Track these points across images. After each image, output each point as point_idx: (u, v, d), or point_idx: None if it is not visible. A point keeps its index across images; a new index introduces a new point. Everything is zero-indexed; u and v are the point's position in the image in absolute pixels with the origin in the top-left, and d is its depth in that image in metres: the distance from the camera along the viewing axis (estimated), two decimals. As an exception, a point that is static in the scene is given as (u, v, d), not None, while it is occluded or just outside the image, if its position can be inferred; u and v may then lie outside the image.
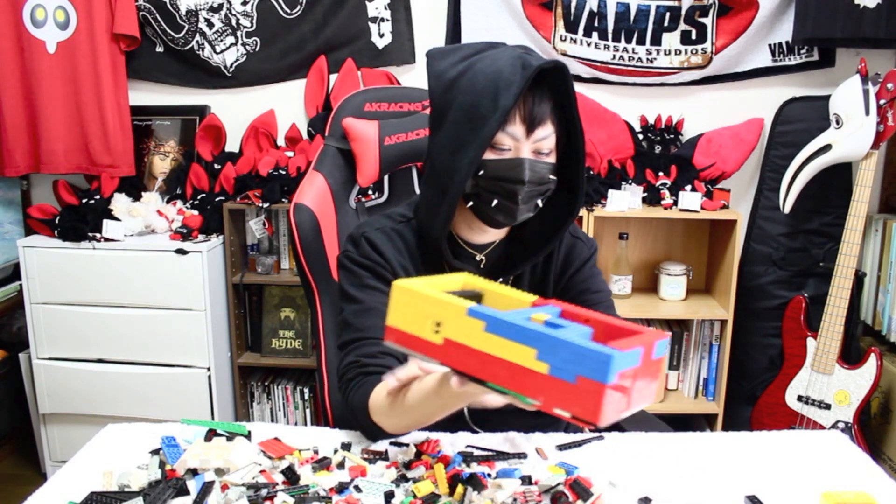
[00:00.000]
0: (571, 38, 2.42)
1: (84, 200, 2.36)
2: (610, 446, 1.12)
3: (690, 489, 0.99)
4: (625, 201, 2.31)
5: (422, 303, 0.78)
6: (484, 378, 0.74)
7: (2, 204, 2.54)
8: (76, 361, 2.36)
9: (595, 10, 2.38)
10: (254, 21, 2.48)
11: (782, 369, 2.35)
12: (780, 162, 2.42)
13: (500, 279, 1.19)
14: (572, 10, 2.39)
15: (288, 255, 2.52)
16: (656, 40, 2.40)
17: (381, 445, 1.08)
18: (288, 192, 2.32)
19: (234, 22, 2.48)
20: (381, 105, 1.55)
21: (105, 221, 2.29)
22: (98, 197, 2.38)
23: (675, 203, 2.34)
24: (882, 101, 2.11)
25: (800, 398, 2.30)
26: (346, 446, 1.08)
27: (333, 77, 2.51)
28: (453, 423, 1.12)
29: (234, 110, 2.56)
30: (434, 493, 0.93)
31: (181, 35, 2.48)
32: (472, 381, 0.76)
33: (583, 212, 2.29)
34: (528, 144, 1.07)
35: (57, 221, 2.30)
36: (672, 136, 2.48)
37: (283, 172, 2.35)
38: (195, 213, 2.38)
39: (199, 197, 2.42)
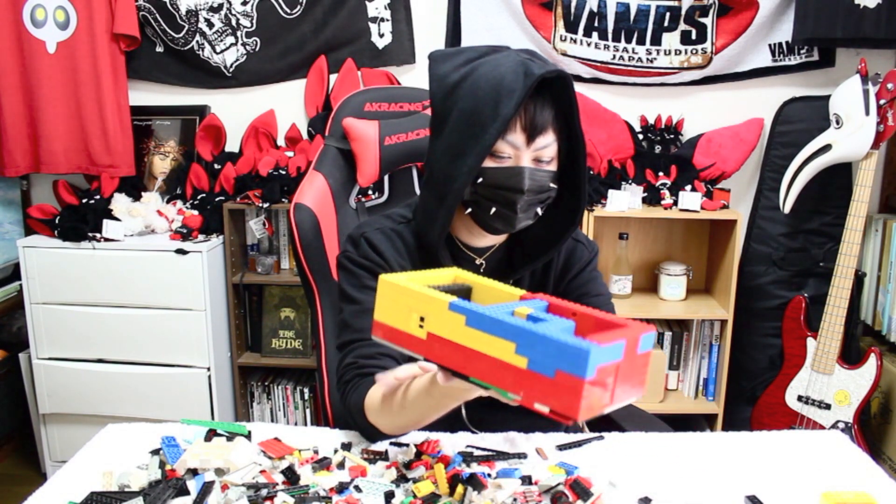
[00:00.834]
0: (571, 38, 2.42)
1: (84, 200, 2.36)
2: (610, 446, 1.12)
3: (690, 489, 0.99)
4: (625, 201, 2.31)
5: (406, 297, 0.78)
6: (466, 373, 0.73)
7: (2, 204, 2.54)
8: (76, 361, 2.36)
9: (595, 10, 2.38)
10: (254, 21, 2.48)
11: (782, 369, 2.35)
12: (780, 162, 2.42)
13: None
14: (572, 10, 2.39)
15: (288, 255, 2.52)
16: (656, 40, 2.40)
17: (381, 445, 1.08)
18: (288, 192, 2.32)
19: (234, 22, 2.48)
20: (381, 105, 1.55)
21: (105, 221, 2.29)
22: (98, 197, 2.38)
23: (675, 203, 2.34)
24: (882, 101, 2.11)
25: (800, 398, 2.30)
26: (346, 446, 1.08)
27: (333, 77, 2.51)
28: (453, 423, 1.12)
29: (234, 110, 2.56)
30: (434, 493, 0.93)
31: (181, 35, 2.48)
32: (456, 376, 0.75)
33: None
34: (529, 153, 1.06)
35: (57, 221, 2.30)
36: (672, 136, 2.48)
37: (283, 172, 2.35)
38: (195, 213, 2.38)
39: (199, 197, 2.42)
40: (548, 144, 1.07)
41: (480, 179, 1.06)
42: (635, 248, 2.57)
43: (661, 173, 2.40)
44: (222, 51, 2.51)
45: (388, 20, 2.47)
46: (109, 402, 2.36)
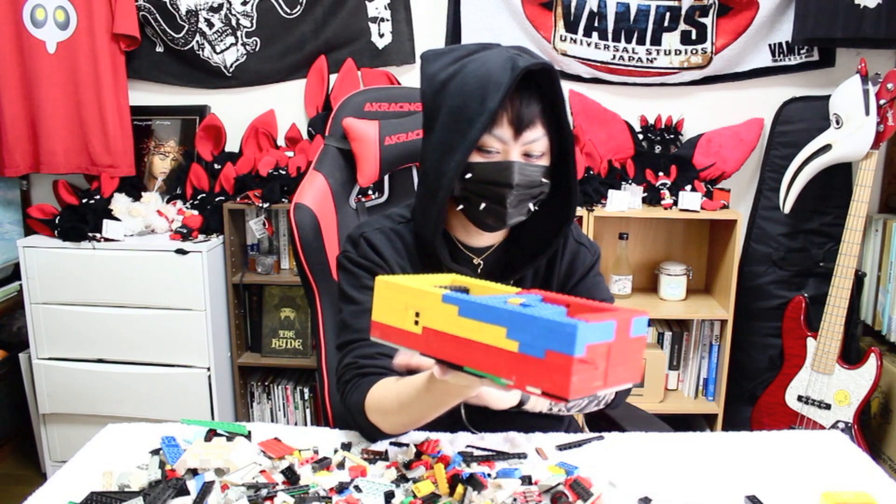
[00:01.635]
0: (571, 38, 2.42)
1: (84, 200, 2.36)
2: (610, 446, 1.12)
3: (690, 489, 0.99)
4: (625, 201, 2.31)
5: (402, 294, 0.79)
6: (460, 363, 0.74)
7: (2, 204, 2.54)
8: (76, 361, 2.36)
9: (595, 10, 2.38)
10: (254, 21, 2.48)
11: (782, 369, 2.35)
12: (780, 162, 2.42)
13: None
14: (572, 10, 2.39)
15: (288, 255, 2.52)
16: (656, 40, 2.40)
17: (381, 445, 1.08)
18: (288, 192, 2.32)
19: (234, 22, 2.48)
20: (381, 105, 1.55)
21: (105, 221, 2.29)
22: (98, 197, 2.38)
23: (675, 203, 2.34)
24: (882, 101, 2.11)
25: (800, 398, 2.30)
26: (346, 446, 1.08)
27: (333, 77, 2.51)
28: (453, 423, 1.12)
29: (234, 110, 2.56)
30: (434, 493, 0.93)
31: (181, 35, 2.48)
32: (451, 367, 0.76)
33: (583, 212, 2.29)
34: (517, 147, 1.06)
35: (57, 221, 2.30)
36: (672, 136, 2.48)
37: (283, 172, 2.35)
38: (195, 213, 2.38)
39: (199, 197, 2.42)
40: (537, 138, 1.06)
41: (469, 175, 1.07)
42: (635, 248, 2.57)
43: (661, 173, 2.40)
44: (222, 51, 2.51)
45: (388, 20, 2.47)
46: (109, 402, 2.36)
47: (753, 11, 2.33)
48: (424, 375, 0.92)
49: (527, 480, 0.98)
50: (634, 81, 2.47)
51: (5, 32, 2.33)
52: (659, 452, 1.10)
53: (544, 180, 1.09)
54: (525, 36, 2.43)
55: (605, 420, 1.33)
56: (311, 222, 1.39)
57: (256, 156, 2.44)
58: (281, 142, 2.54)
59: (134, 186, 2.53)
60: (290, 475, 0.97)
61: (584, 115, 2.47)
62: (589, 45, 2.41)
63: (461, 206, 1.11)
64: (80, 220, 2.30)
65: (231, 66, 2.53)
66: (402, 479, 0.99)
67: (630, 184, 2.37)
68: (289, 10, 2.46)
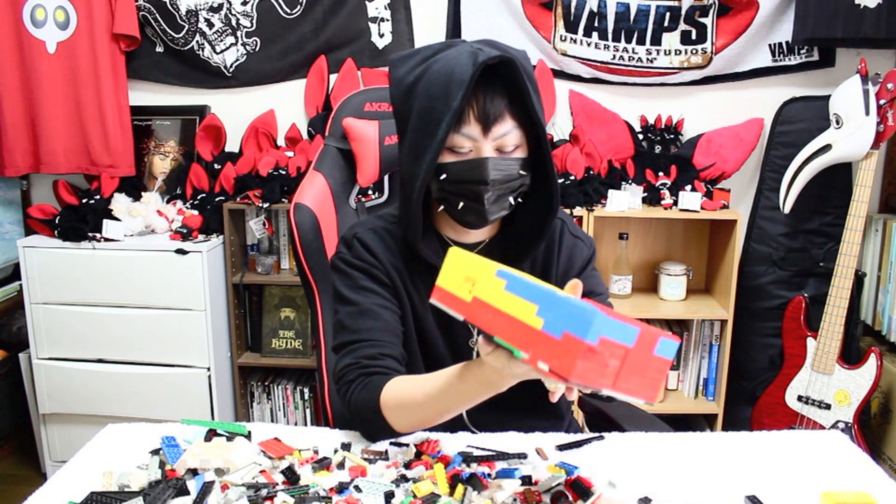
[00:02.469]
0: (571, 38, 2.42)
1: (84, 200, 2.36)
2: (610, 446, 1.12)
3: (690, 489, 0.99)
4: (625, 201, 2.31)
5: (466, 264, 0.85)
6: (492, 333, 0.79)
7: (2, 204, 2.54)
8: (76, 361, 2.36)
9: (595, 10, 2.38)
10: (254, 21, 2.48)
11: (782, 369, 2.35)
12: (780, 162, 2.42)
13: None
14: (572, 10, 2.39)
15: (288, 255, 2.52)
16: (656, 40, 2.39)
17: (381, 445, 1.08)
18: (288, 192, 2.32)
19: (234, 22, 2.48)
20: (381, 105, 1.55)
21: (105, 221, 2.29)
22: (98, 197, 2.38)
23: (675, 203, 2.34)
24: (882, 101, 2.11)
25: (800, 398, 2.30)
26: (346, 446, 1.08)
27: (333, 77, 2.51)
28: (453, 423, 1.12)
29: (234, 110, 2.56)
30: (434, 493, 0.93)
31: (181, 35, 2.48)
32: (486, 337, 0.81)
33: (583, 212, 2.29)
34: (489, 143, 1.05)
35: (57, 221, 2.30)
36: (672, 136, 2.48)
37: (283, 172, 2.35)
38: (195, 213, 2.38)
39: (199, 197, 2.42)
40: (507, 132, 1.06)
41: (444, 175, 1.07)
42: (635, 248, 2.57)
43: (661, 173, 2.40)
44: (222, 51, 2.51)
45: (388, 20, 2.47)
46: (109, 402, 2.36)
47: (753, 11, 2.33)
48: (456, 367, 0.94)
49: (527, 480, 0.98)
50: (634, 81, 2.47)
51: (5, 32, 2.33)
52: (659, 452, 1.10)
53: (522, 172, 1.08)
54: (525, 36, 2.43)
55: (605, 420, 1.33)
56: (310, 222, 1.39)
57: (256, 156, 2.44)
58: (281, 142, 2.54)
59: (134, 186, 2.53)
60: (290, 475, 0.97)
61: (584, 115, 2.47)
62: (589, 45, 2.41)
63: (442, 207, 1.12)
64: (80, 220, 2.30)
65: (231, 66, 2.53)
66: (402, 479, 0.99)
67: (630, 184, 2.37)
68: (289, 10, 2.46)
